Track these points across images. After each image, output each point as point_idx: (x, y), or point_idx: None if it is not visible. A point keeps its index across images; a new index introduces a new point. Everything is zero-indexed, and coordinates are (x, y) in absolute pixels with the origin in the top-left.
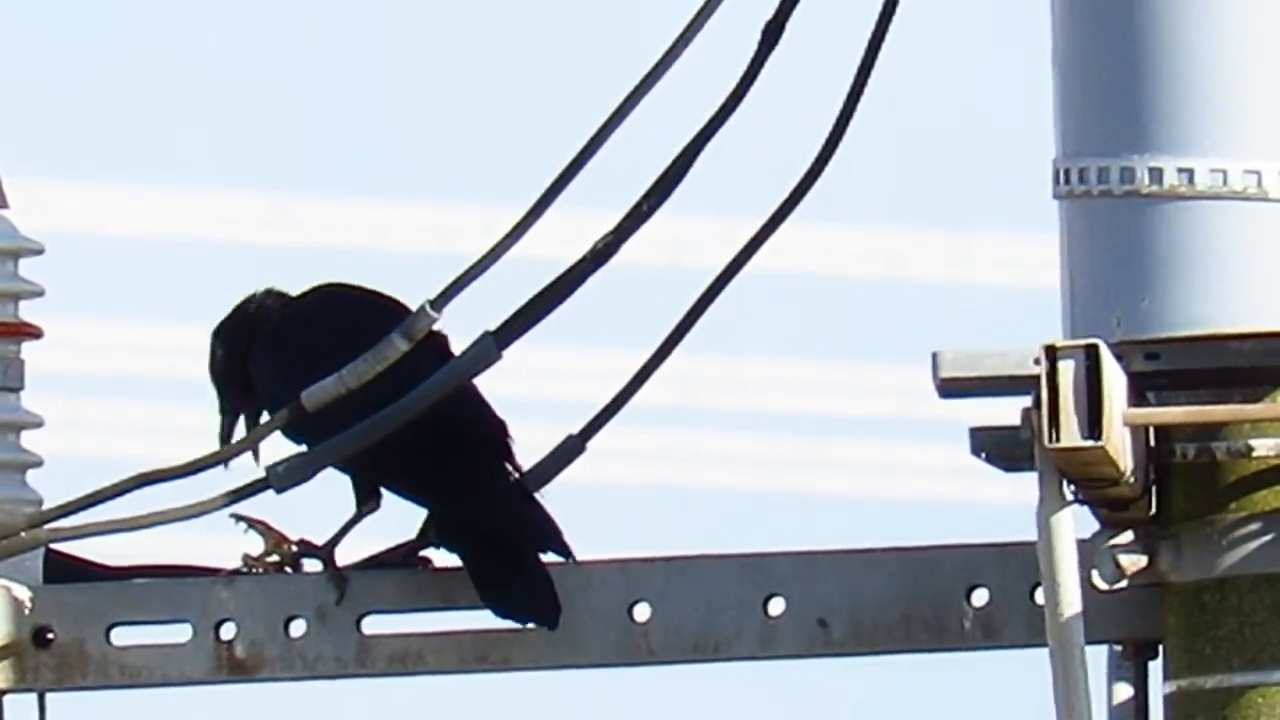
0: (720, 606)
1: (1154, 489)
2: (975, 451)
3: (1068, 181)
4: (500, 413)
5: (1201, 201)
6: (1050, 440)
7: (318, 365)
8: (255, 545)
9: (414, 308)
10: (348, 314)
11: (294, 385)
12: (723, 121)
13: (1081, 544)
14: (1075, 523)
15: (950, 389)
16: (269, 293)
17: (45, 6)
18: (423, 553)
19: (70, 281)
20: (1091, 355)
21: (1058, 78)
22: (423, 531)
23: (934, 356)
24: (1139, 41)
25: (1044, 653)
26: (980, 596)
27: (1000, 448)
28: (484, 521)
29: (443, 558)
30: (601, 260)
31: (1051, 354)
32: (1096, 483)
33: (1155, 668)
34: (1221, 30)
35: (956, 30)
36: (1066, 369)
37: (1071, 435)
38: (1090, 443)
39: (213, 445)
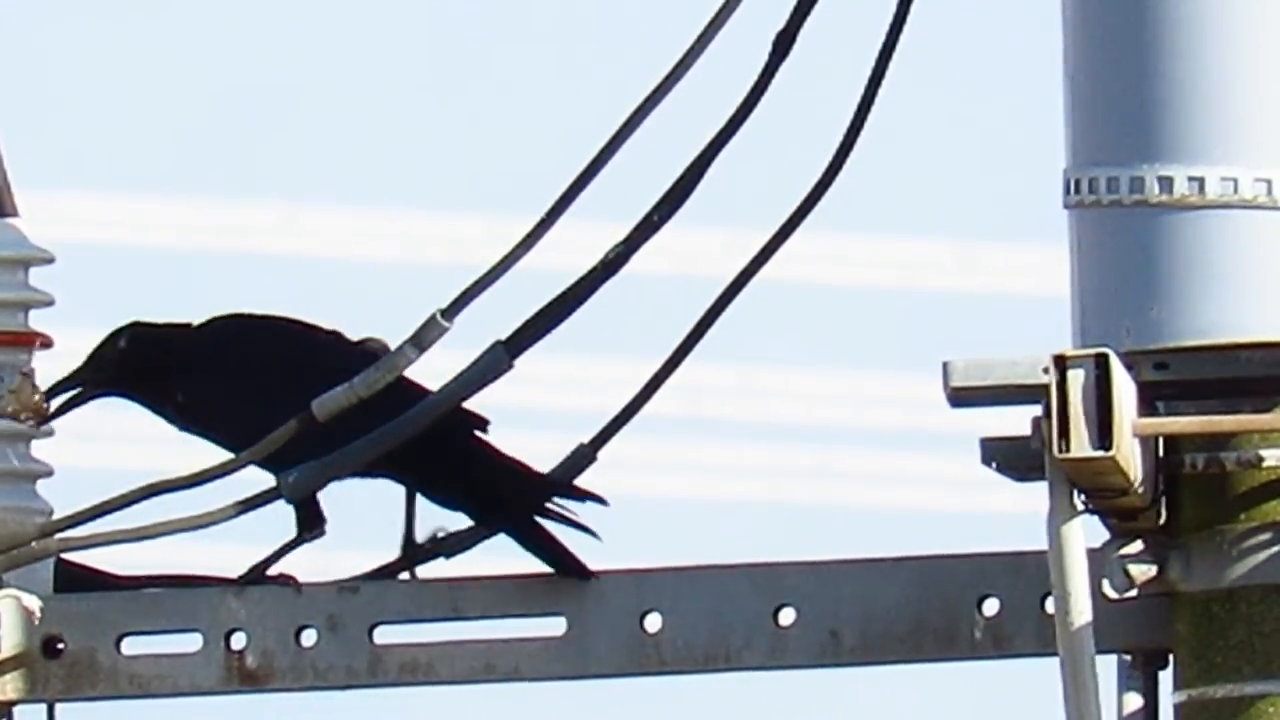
0: (731, 616)
1: (1164, 499)
2: (986, 461)
3: (1077, 191)
4: (510, 421)
5: (1212, 210)
6: (1060, 450)
7: (263, 383)
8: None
9: (423, 318)
10: (272, 333)
11: (248, 404)
12: (734, 132)
13: (1091, 553)
14: (1085, 532)
15: (961, 398)
16: (138, 323)
17: (52, 14)
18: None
19: (80, 291)
20: (1101, 365)
21: (1068, 87)
22: (423, 541)
23: (945, 366)
24: (1149, 50)
25: (1054, 662)
26: (991, 606)
27: (1010, 457)
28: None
29: (439, 568)
30: (612, 270)
31: (1061, 363)
32: (1106, 492)
33: (1165, 677)
34: (1231, 38)
35: (968, 40)
36: (1076, 378)
37: (1081, 445)
38: (1100, 453)
39: (223, 456)
